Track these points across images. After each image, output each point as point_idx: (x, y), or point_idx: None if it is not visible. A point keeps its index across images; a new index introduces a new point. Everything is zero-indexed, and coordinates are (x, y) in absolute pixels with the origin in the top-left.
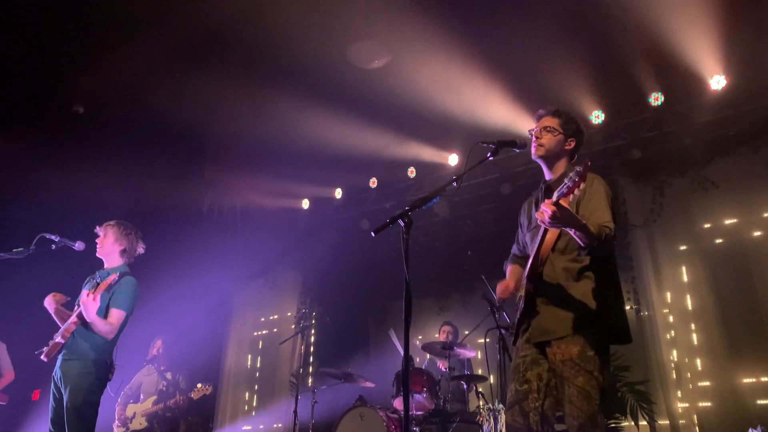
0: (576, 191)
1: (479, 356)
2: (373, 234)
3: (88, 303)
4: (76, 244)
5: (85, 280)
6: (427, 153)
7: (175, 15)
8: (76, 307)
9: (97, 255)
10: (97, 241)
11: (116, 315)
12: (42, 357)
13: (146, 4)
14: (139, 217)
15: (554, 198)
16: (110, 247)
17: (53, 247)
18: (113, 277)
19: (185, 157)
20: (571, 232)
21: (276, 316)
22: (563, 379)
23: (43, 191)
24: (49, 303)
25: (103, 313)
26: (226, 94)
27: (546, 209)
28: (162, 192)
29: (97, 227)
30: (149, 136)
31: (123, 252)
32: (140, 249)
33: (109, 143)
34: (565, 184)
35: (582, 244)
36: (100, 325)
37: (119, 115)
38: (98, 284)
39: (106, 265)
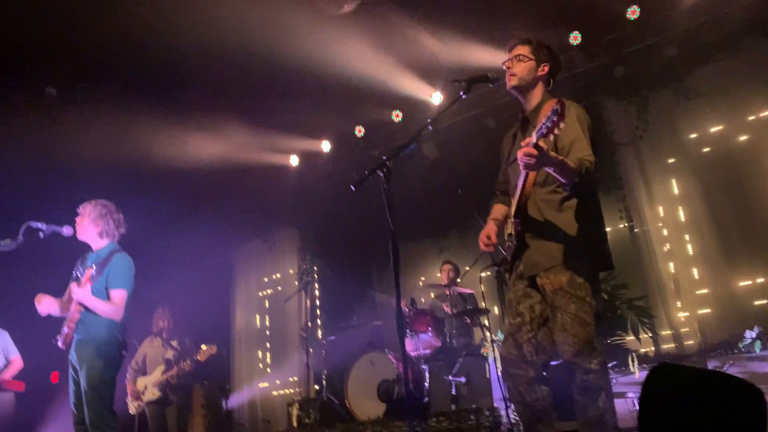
0: (556, 131)
1: (482, 290)
2: (353, 188)
3: (82, 296)
4: (64, 230)
5: (76, 263)
6: (411, 94)
7: None
8: (69, 292)
9: (77, 237)
10: (76, 220)
11: (118, 295)
12: (59, 345)
13: None
14: (128, 188)
15: (534, 139)
16: (86, 229)
17: (41, 235)
18: (90, 272)
19: (169, 122)
20: (551, 170)
21: (279, 275)
22: (555, 309)
23: (23, 177)
24: (46, 307)
25: (104, 296)
26: (209, 40)
27: (526, 156)
28: (149, 159)
29: (80, 207)
30: (130, 96)
31: (100, 234)
32: (121, 230)
33: (88, 114)
34: (544, 124)
35: (564, 181)
36: (104, 308)
37: (95, 84)
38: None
39: (93, 247)
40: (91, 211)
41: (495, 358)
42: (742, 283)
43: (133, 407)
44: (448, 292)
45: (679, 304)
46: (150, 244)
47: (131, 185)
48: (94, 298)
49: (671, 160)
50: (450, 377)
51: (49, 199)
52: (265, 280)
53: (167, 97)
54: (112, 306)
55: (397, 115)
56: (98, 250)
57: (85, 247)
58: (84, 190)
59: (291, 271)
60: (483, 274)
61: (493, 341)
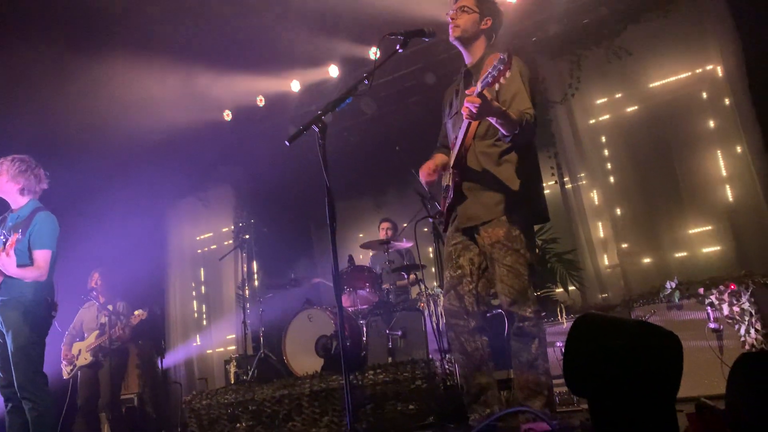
0: (502, 80)
1: (417, 246)
2: (287, 143)
3: (5, 262)
4: None
5: None
6: (349, 49)
7: None
8: None
9: None
10: None
11: (42, 256)
12: None
13: None
14: (52, 145)
15: (478, 88)
16: (5, 186)
17: None
18: (15, 236)
19: (93, 73)
20: (493, 121)
21: (213, 233)
22: (493, 261)
23: None
24: None
25: (27, 257)
26: None
27: (471, 104)
28: (74, 113)
29: None
30: (51, 48)
31: (21, 191)
32: (42, 185)
33: (4, 66)
34: (490, 73)
35: (505, 133)
36: (27, 274)
37: (13, 34)
38: (6, 240)
39: (12, 206)
40: (9, 168)
41: (431, 313)
42: (664, 236)
43: (66, 371)
44: (386, 250)
45: (605, 257)
46: (79, 204)
47: (55, 141)
48: (17, 269)
49: (601, 118)
50: (387, 331)
51: None
52: (200, 238)
53: (91, 45)
54: (36, 269)
55: (334, 70)
56: (19, 209)
57: (5, 206)
58: (1, 147)
59: (225, 230)
60: (420, 231)
61: (429, 295)
